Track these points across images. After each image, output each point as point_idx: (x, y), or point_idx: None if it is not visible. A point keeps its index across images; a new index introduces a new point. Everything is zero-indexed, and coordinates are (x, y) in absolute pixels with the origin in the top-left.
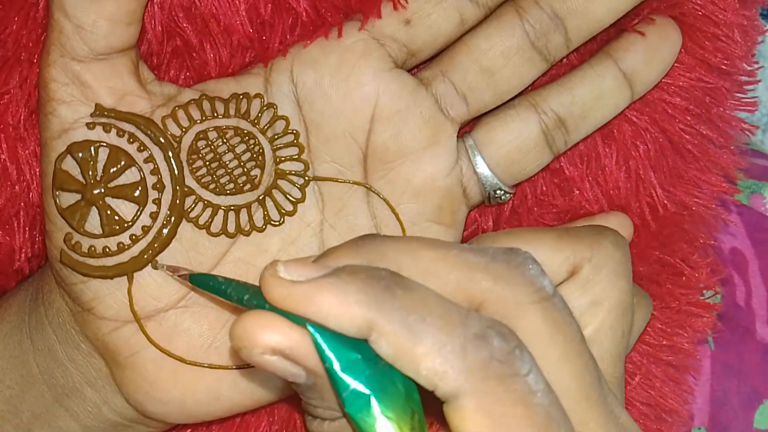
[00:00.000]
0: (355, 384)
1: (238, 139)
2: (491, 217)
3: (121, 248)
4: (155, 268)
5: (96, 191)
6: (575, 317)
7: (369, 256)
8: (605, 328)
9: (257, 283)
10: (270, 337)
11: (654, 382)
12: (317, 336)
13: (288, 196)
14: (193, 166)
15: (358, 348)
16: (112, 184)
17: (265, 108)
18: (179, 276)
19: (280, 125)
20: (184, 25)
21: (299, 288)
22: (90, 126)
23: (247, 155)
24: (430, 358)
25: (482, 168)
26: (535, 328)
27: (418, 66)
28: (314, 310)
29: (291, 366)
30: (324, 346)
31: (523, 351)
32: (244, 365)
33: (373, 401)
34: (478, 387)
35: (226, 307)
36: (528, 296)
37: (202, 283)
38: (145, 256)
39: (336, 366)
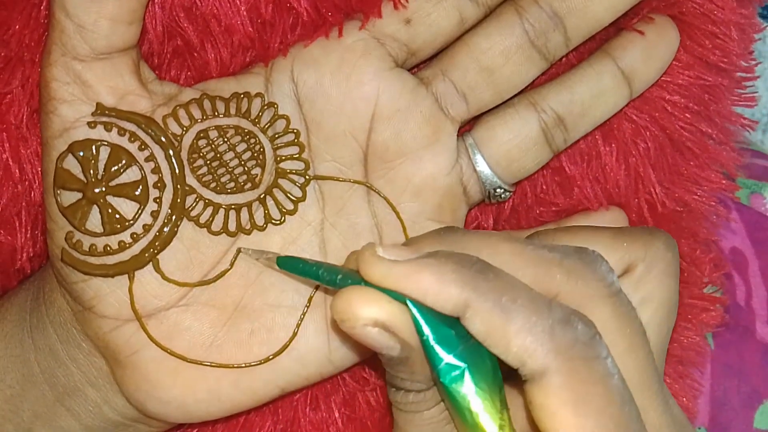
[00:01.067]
0: (449, 358)
1: (238, 138)
2: (491, 215)
3: (122, 247)
4: (239, 253)
5: (97, 190)
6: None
7: (452, 247)
8: (654, 324)
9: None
10: (372, 310)
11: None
12: (415, 311)
13: (289, 195)
14: (194, 164)
15: (451, 325)
16: (113, 183)
17: (265, 107)
18: (266, 259)
19: (280, 124)
20: (185, 25)
21: (399, 267)
22: (91, 125)
23: (248, 154)
24: (521, 336)
25: (482, 166)
26: (606, 319)
27: (419, 65)
28: (413, 287)
29: (389, 338)
30: (421, 320)
31: (601, 338)
32: (246, 364)
33: (467, 374)
34: (564, 365)
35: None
36: (600, 290)
37: (292, 266)
38: (146, 255)
39: (432, 339)
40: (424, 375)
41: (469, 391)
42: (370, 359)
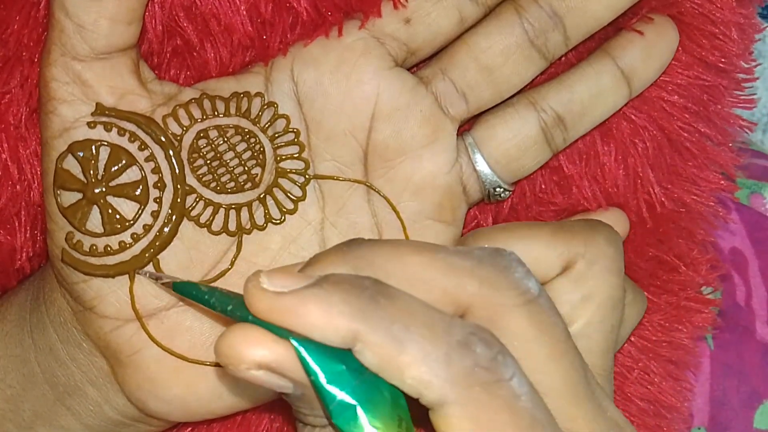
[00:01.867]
0: (341, 395)
1: (238, 137)
2: (491, 214)
3: (123, 247)
4: (134, 275)
5: (97, 190)
6: (567, 311)
7: (356, 263)
8: (595, 322)
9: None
10: (255, 352)
11: (653, 378)
12: (301, 350)
13: (289, 194)
14: (194, 164)
15: (343, 358)
16: (113, 183)
17: (265, 107)
18: (162, 284)
19: (280, 124)
20: (185, 24)
21: (283, 300)
22: (91, 125)
23: (248, 154)
24: (415, 367)
25: (482, 166)
26: (521, 329)
27: (418, 64)
28: (298, 322)
29: (278, 379)
30: (309, 359)
31: (506, 356)
32: None
33: (360, 412)
34: (462, 395)
35: (212, 316)
36: (513, 299)
37: (186, 291)
38: (147, 255)
39: (322, 378)
40: (323, 412)
41: (363, 429)
42: None
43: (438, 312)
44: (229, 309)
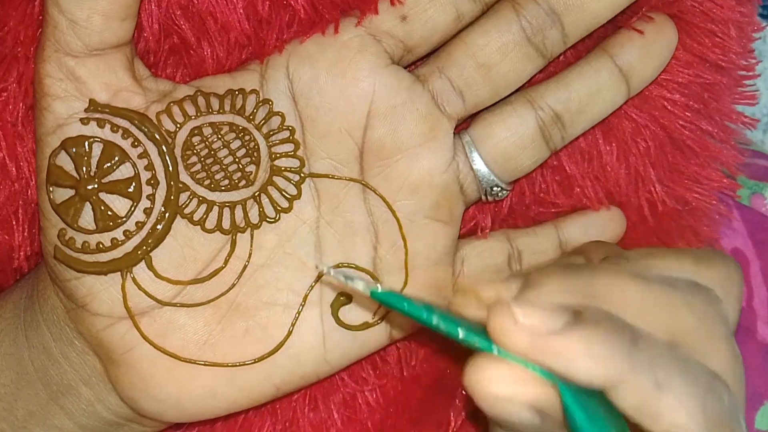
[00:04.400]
0: None
1: (233, 135)
2: (489, 214)
3: (115, 244)
4: (322, 274)
5: (90, 187)
6: None
7: (582, 291)
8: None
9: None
10: (524, 391)
11: None
12: (568, 395)
13: (284, 192)
14: (188, 162)
15: (594, 398)
16: (106, 180)
17: (260, 104)
18: (353, 286)
19: (275, 121)
20: (182, 22)
21: (546, 341)
22: (84, 121)
23: (243, 151)
24: (675, 413)
25: (479, 164)
26: (727, 363)
27: (415, 62)
28: (562, 363)
29: (532, 416)
30: (572, 403)
31: (733, 397)
32: (240, 362)
33: None
34: None
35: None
36: (722, 332)
37: (392, 301)
38: (139, 252)
39: (584, 420)
40: None
41: None
42: (367, 359)
43: (684, 356)
44: (462, 336)
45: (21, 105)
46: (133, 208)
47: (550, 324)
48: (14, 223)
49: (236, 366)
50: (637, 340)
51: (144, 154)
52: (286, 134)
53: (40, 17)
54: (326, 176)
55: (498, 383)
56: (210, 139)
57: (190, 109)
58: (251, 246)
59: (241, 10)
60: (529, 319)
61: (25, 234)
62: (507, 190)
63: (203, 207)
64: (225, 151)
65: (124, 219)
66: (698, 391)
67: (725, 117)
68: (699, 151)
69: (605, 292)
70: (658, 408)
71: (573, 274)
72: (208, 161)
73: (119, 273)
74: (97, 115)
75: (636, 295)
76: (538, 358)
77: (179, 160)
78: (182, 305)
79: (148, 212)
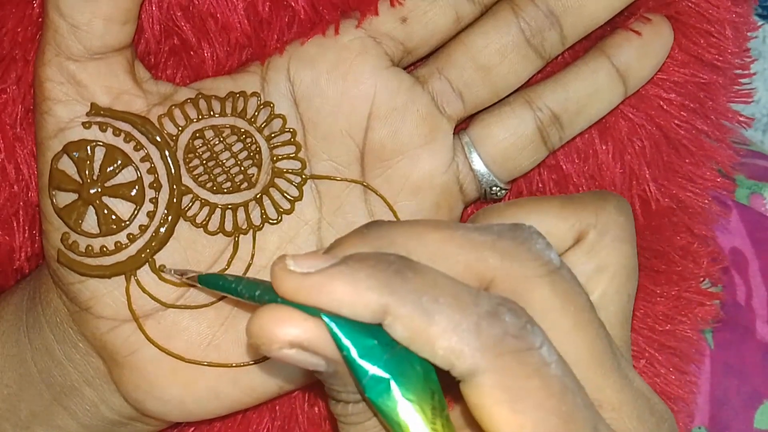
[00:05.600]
0: (373, 369)
1: (234, 137)
2: None
3: (119, 247)
4: (162, 272)
5: (93, 190)
6: (582, 283)
7: (377, 243)
8: (611, 293)
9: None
10: (287, 331)
11: (659, 370)
12: (332, 325)
13: (285, 194)
14: (190, 164)
15: (373, 333)
16: (108, 184)
17: (261, 106)
18: (188, 279)
19: (277, 123)
20: (182, 23)
21: (310, 279)
22: (86, 125)
23: (244, 154)
24: (446, 337)
25: (478, 165)
26: (545, 300)
27: (415, 63)
28: (327, 299)
29: (310, 356)
30: (340, 334)
31: (534, 325)
32: (244, 363)
33: (393, 385)
34: (493, 363)
35: (239, 305)
36: (536, 270)
37: (212, 283)
38: (143, 255)
39: (354, 353)
40: (356, 387)
41: (397, 402)
42: None
43: (464, 285)
44: (257, 294)
45: (20, 107)
46: (136, 212)
47: (316, 266)
48: (15, 224)
49: (240, 366)
50: (404, 271)
51: (146, 158)
52: (287, 136)
53: (39, 19)
54: (328, 178)
55: (268, 326)
56: (212, 142)
57: (192, 112)
58: (254, 248)
59: (242, 11)
60: (297, 265)
61: (26, 235)
62: (505, 190)
63: (206, 209)
64: (227, 154)
65: (128, 222)
66: (471, 313)
67: (721, 116)
68: (694, 150)
69: (403, 241)
70: (428, 334)
71: (372, 229)
72: (210, 164)
73: (123, 276)
74: (99, 119)
75: (435, 242)
76: (306, 298)
77: (181, 163)
78: (186, 307)
79: (151, 215)
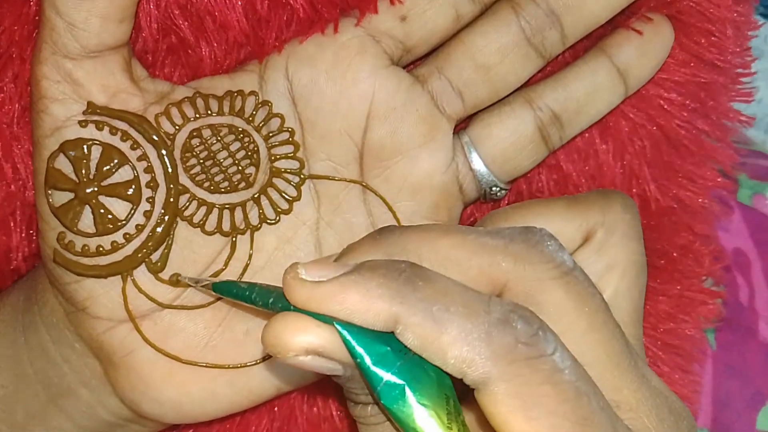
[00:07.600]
0: (387, 376)
1: (232, 137)
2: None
3: (115, 247)
4: (177, 281)
5: (89, 190)
6: (593, 282)
7: (389, 250)
8: (623, 290)
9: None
10: (302, 338)
11: (663, 369)
12: (345, 333)
13: (283, 194)
14: (187, 164)
15: (387, 340)
16: (105, 183)
17: (259, 105)
18: (202, 287)
19: (275, 123)
20: (180, 22)
21: (321, 288)
22: (82, 124)
23: (242, 153)
24: (457, 346)
25: (478, 165)
26: (559, 303)
27: (414, 62)
28: (338, 308)
29: (327, 362)
30: (353, 342)
31: (547, 331)
32: (241, 364)
33: (408, 391)
34: (506, 371)
35: (236, 306)
36: (549, 272)
37: (226, 290)
38: (139, 255)
39: (367, 361)
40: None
41: (413, 408)
42: None
43: (475, 291)
44: (271, 302)
45: (17, 105)
46: (132, 211)
47: (327, 275)
48: (12, 224)
49: (237, 368)
50: (414, 280)
51: (143, 157)
52: (285, 136)
53: (36, 17)
54: (326, 178)
55: (283, 334)
56: (209, 141)
57: (189, 111)
58: (251, 248)
59: (240, 9)
60: (309, 273)
61: (23, 235)
62: (505, 190)
63: (203, 209)
64: (224, 153)
65: (124, 222)
66: (482, 321)
67: (722, 116)
68: (695, 150)
69: (414, 248)
70: (440, 343)
71: (384, 235)
72: (208, 163)
73: (119, 276)
74: (96, 118)
75: (447, 248)
76: (318, 307)
77: (178, 162)
78: (183, 308)
79: (147, 215)
